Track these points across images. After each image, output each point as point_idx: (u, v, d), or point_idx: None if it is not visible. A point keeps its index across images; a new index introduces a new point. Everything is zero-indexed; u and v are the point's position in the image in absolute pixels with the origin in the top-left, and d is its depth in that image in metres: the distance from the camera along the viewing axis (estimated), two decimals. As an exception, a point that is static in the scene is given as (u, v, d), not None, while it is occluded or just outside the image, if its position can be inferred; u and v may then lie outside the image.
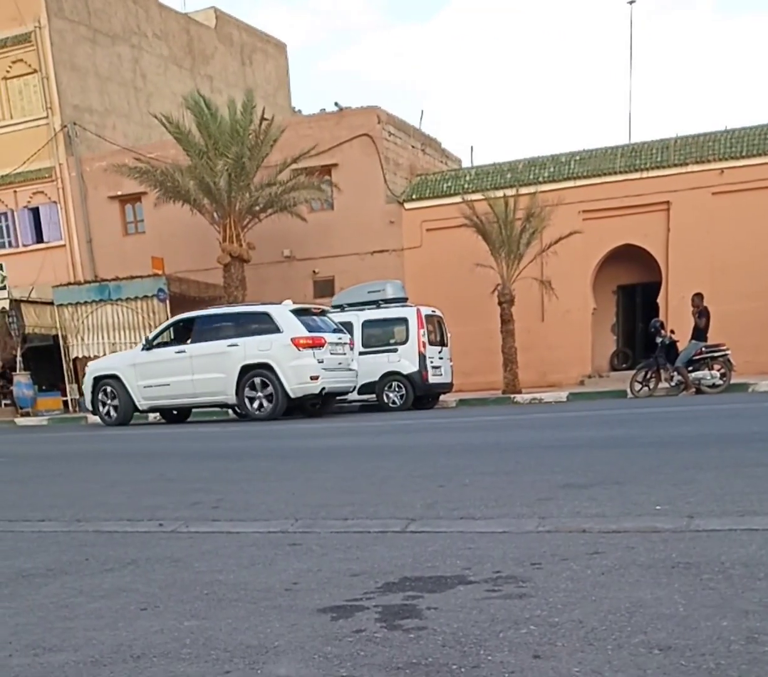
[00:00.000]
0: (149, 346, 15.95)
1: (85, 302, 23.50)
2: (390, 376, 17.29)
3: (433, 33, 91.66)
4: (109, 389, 16.19)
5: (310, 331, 14.84)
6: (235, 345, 14.91)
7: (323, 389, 14.86)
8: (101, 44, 28.63)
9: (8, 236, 28.50)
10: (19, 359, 23.24)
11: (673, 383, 16.61)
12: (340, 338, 15.47)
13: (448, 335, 18.60)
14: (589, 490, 4.46)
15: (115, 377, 16.11)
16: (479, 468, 5.92)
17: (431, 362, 17.44)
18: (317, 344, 14.72)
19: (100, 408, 16.38)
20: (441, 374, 17.88)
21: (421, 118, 33.25)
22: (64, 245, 27.69)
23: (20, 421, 21.03)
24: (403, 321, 17.42)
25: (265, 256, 23.59)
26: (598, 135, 74.67)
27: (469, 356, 20.71)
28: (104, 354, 20.98)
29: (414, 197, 24.10)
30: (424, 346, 17.24)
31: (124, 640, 2.37)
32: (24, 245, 28.13)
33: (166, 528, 4.23)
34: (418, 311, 17.38)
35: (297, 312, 15.16)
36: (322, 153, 23.33)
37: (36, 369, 23.84)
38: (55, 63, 26.87)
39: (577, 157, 22.85)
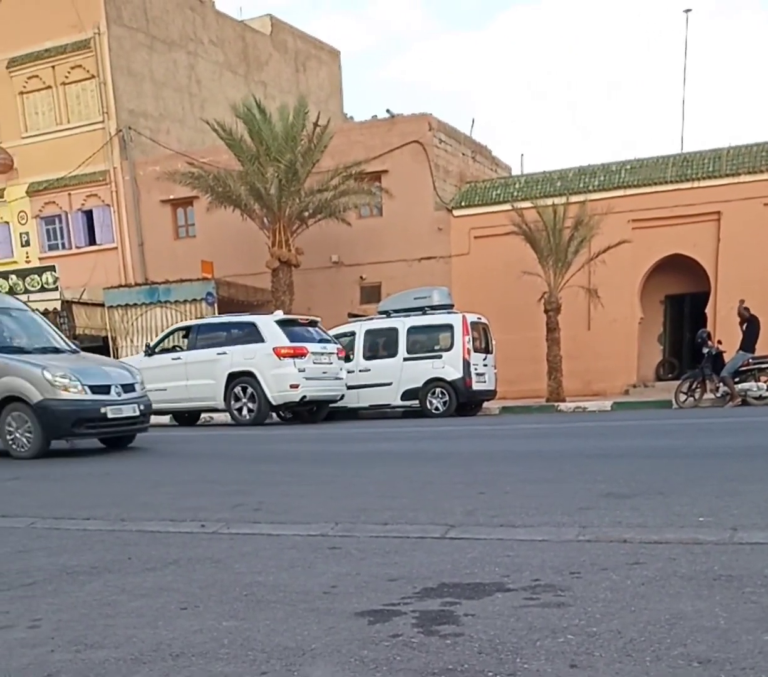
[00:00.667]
0: (151, 352, 16.71)
1: (135, 305, 23.79)
2: (433, 382, 17.25)
3: (487, 40, 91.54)
4: None
5: (293, 341, 15.33)
6: (224, 353, 15.58)
7: (304, 397, 15.35)
8: (158, 50, 29.02)
9: (62, 238, 28.91)
10: (68, 359, 23.51)
11: (718, 394, 16.37)
12: (324, 348, 15.89)
13: (493, 342, 18.51)
14: (632, 500, 4.42)
15: None
16: (521, 476, 5.89)
17: (475, 369, 17.36)
18: (299, 354, 15.24)
19: None
20: (485, 381, 17.79)
21: (472, 126, 33.06)
22: (116, 248, 28.00)
23: (68, 420, 21.26)
24: (449, 328, 17.36)
25: (314, 261, 23.67)
26: (649, 144, 73.92)
27: (513, 364, 20.57)
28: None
29: (463, 204, 24.05)
30: (469, 353, 17.17)
31: (164, 639, 2.40)
32: (77, 247, 28.49)
33: (207, 529, 4.27)
34: (464, 317, 17.31)
35: (283, 323, 15.73)
36: (373, 160, 23.38)
37: (85, 370, 24.10)
38: (112, 69, 27.25)
39: (628, 167, 22.64)
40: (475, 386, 17.34)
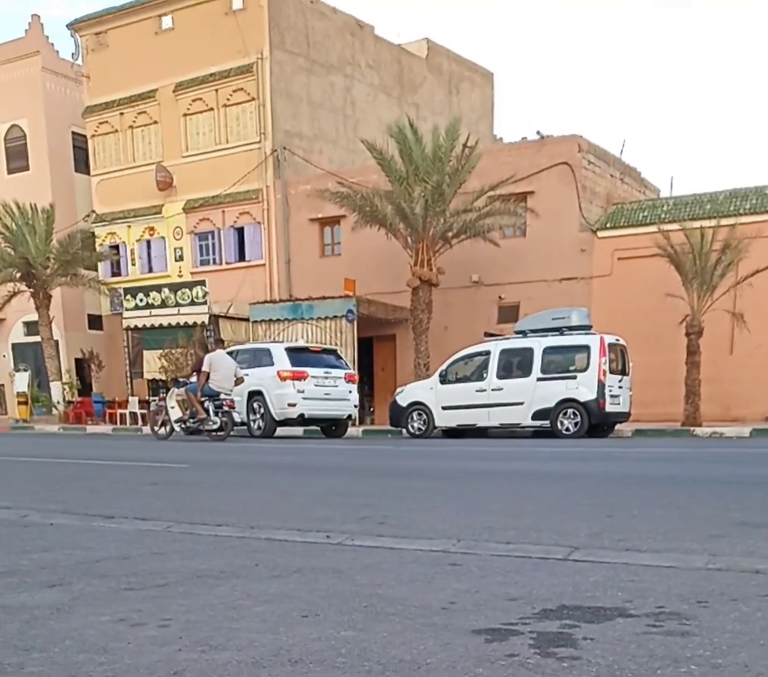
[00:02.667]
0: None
1: (278, 320, 24.39)
2: (566, 403, 17.00)
3: (644, 59, 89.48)
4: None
5: (296, 365, 17.49)
6: (246, 374, 17.24)
7: (302, 415, 17.43)
8: (316, 74, 29.83)
9: (214, 253, 29.93)
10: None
11: None
12: (327, 373, 17.99)
13: (630, 364, 18.11)
14: (767, 530, 4.23)
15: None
16: (650, 500, 5.74)
17: (610, 390, 17.03)
18: (298, 377, 17.38)
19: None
20: (619, 403, 17.44)
21: (622, 147, 32.66)
22: (264, 265, 28.78)
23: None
24: (585, 349, 17.12)
25: (453, 280, 23.72)
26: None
27: (650, 386, 19.98)
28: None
29: (608, 225, 23.68)
30: (605, 374, 16.87)
31: (284, 644, 2.44)
32: (227, 263, 29.44)
33: (332, 540, 4.32)
34: (602, 339, 17.03)
35: (292, 350, 18.09)
36: (520, 181, 23.28)
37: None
38: (272, 91, 28.20)
39: (783, 189, 21.82)
40: (609, 408, 17.04)
